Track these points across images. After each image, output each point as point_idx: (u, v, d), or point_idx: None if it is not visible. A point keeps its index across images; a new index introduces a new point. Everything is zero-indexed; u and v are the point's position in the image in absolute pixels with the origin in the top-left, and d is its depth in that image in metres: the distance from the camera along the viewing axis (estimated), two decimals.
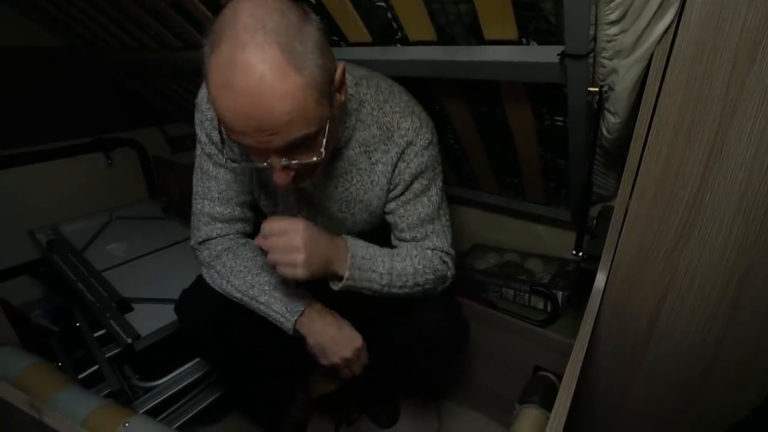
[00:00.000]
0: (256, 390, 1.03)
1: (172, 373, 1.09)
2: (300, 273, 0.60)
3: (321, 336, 0.69)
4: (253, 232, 0.81)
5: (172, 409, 1.09)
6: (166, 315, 1.10)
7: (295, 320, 0.68)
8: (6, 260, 1.55)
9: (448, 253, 0.78)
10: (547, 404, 0.84)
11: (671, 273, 0.65)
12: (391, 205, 0.76)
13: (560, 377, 0.58)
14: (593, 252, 0.85)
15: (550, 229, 1.24)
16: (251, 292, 0.71)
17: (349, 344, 0.70)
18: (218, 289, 0.75)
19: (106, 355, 1.13)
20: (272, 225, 0.61)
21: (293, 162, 0.55)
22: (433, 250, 0.76)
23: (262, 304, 0.70)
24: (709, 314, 0.65)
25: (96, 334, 1.21)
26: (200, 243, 0.76)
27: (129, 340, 1.03)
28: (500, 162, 1.08)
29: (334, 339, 0.69)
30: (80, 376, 1.12)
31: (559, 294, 1.06)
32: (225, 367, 0.95)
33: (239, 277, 0.72)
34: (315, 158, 0.56)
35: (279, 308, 0.69)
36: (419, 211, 0.75)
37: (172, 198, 1.89)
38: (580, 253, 0.94)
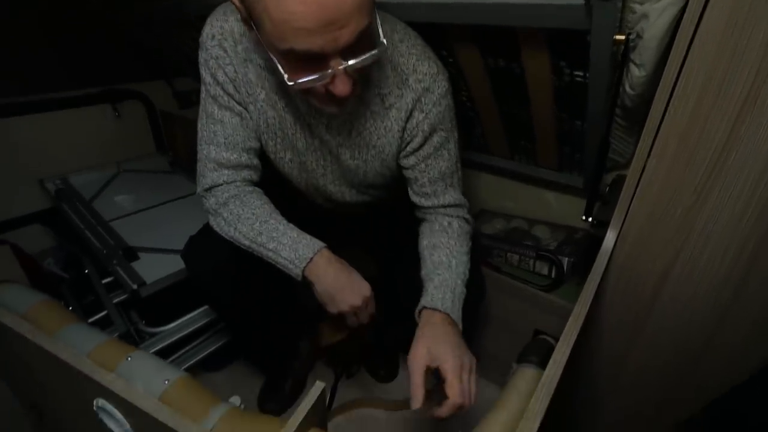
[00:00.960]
0: (261, 338, 1.05)
1: (177, 320, 1.12)
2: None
3: (329, 283, 0.68)
4: (260, 181, 0.79)
5: (176, 354, 1.12)
6: (171, 264, 1.12)
7: (304, 267, 0.68)
8: (18, 208, 1.57)
9: (464, 206, 0.79)
10: (545, 365, 0.84)
11: (685, 234, 0.63)
12: (411, 160, 0.74)
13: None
14: (604, 218, 0.83)
15: (561, 197, 1.21)
16: (259, 239, 0.70)
17: (358, 292, 0.70)
18: (225, 236, 0.74)
19: (114, 301, 1.17)
20: (462, 388, 0.68)
21: (358, 60, 0.53)
22: (457, 217, 0.78)
23: (270, 251, 0.69)
24: (720, 279, 0.63)
25: (104, 281, 1.24)
26: (206, 190, 0.75)
27: (135, 286, 1.05)
28: (513, 123, 1.03)
29: (343, 287, 0.69)
30: (90, 321, 1.16)
31: (565, 260, 1.04)
32: (231, 314, 0.96)
33: (247, 224, 0.71)
34: (376, 50, 0.54)
35: (287, 255, 0.68)
36: (440, 165, 0.74)
37: (179, 153, 1.88)
38: (590, 219, 0.92)
